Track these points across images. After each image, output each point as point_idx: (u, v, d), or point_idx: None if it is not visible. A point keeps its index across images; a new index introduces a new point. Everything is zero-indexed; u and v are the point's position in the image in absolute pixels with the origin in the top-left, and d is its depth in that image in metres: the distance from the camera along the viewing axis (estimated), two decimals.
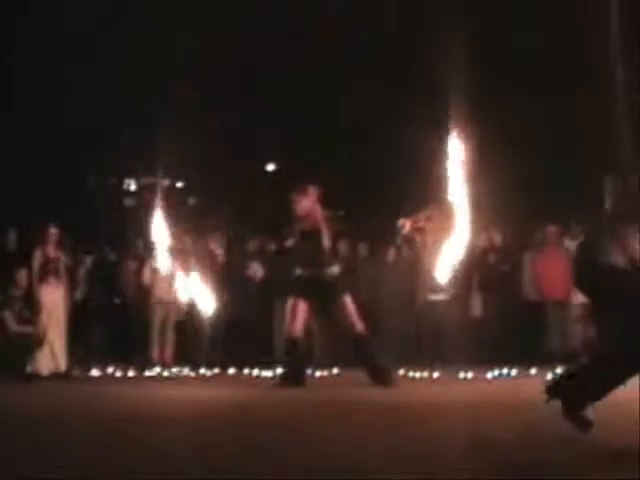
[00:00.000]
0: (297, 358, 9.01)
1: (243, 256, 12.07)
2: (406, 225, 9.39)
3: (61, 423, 6.05)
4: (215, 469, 4.15)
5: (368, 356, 8.87)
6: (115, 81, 15.39)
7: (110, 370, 10.81)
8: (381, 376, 8.71)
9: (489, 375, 9.69)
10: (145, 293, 11.81)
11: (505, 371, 9.91)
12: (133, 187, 19.42)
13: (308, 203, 9.01)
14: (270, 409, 6.92)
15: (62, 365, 10.61)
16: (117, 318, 12.33)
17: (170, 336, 11.75)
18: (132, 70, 15.08)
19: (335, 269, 8.99)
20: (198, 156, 15.94)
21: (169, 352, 11.72)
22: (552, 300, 11.53)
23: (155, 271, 11.50)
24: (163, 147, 12.89)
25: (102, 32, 15.03)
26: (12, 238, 11.77)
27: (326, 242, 8.97)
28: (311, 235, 8.94)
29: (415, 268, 11.61)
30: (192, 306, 10.72)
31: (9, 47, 15.14)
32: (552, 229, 11.74)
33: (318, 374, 10.22)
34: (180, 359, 11.54)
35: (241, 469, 4.17)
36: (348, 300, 8.90)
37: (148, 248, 11.57)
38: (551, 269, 11.33)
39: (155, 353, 11.62)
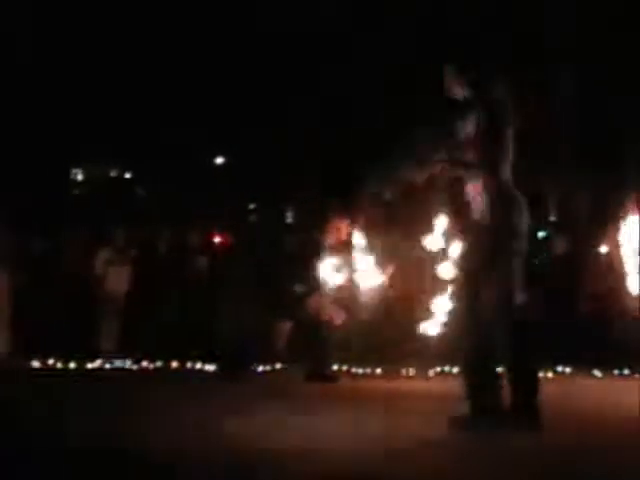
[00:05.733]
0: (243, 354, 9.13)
1: (186, 250, 11.99)
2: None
3: None
4: None
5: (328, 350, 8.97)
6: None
7: (51, 362, 10.68)
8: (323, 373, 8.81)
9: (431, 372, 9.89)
10: (95, 283, 11.67)
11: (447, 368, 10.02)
12: (80, 177, 19.19)
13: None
14: None
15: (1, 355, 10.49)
16: (59, 307, 12.14)
17: (115, 328, 11.65)
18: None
19: None
20: (147, 146, 15.83)
21: (113, 344, 11.61)
22: None
23: (108, 262, 11.45)
24: (111, 135, 12.73)
25: None
26: None
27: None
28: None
29: None
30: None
31: None
32: None
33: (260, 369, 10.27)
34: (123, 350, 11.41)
35: None
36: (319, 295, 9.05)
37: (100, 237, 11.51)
38: None
39: (101, 344, 11.49)
